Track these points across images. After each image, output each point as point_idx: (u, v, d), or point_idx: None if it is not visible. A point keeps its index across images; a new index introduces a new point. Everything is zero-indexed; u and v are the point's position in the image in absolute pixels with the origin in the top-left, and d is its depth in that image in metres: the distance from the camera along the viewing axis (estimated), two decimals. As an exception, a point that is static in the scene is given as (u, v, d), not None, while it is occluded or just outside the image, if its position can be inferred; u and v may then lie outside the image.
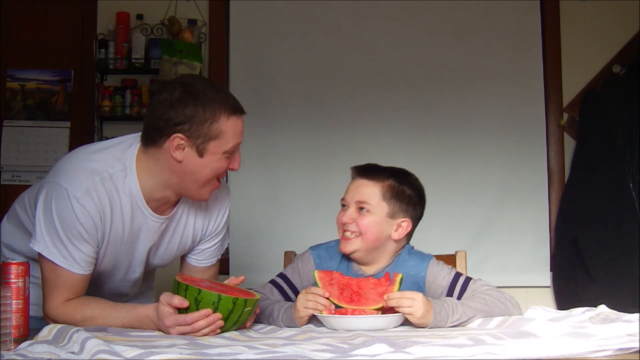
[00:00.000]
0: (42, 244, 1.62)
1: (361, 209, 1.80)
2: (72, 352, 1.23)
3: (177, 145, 1.61)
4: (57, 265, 1.62)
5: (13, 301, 1.43)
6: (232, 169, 1.70)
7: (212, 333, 1.52)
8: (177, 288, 1.55)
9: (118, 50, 3.32)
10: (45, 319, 1.66)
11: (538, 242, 3.37)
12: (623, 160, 3.11)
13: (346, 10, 3.44)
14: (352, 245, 1.80)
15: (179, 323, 1.51)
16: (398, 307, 1.64)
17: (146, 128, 1.66)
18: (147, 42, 3.32)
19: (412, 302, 1.63)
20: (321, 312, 1.67)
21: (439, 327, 1.64)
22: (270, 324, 1.72)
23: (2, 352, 1.24)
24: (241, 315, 1.55)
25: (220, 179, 1.73)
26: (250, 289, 1.74)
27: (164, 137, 1.61)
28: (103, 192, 1.63)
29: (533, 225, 3.37)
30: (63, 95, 3.38)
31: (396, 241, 1.84)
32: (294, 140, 3.38)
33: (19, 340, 1.38)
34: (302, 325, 1.71)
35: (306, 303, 1.68)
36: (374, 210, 1.80)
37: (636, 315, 1.45)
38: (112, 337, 1.43)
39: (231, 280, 1.68)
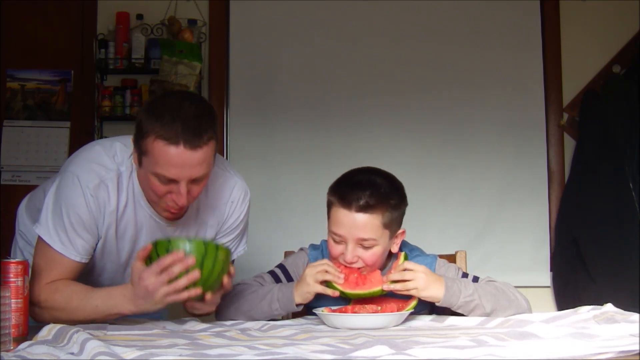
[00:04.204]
0: (44, 228, 1.66)
1: (363, 245, 1.69)
2: (72, 353, 1.23)
3: (133, 148, 1.65)
4: (54, 250, 1.66)
5: (12, 300, 1.43)
6: (176, 203, 1.61)
7: (188, 282, 1.49)
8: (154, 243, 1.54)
9: (118, 50, 3.32)
10: (30, 307, 1.64)
11: (538, 242, 3.37)
12: (623, 160, 3.11)
13: (346, 10, 3.44)
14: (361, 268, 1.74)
15: (154, 271, 1.49)
16: (401, 279, 1.63)
17: None
18: (147, 42, 3.32)
19: (414, 274, 1.62)
20: (332, 282, 1.67)
21: (452, 304, 1.63)
22: (263, 307, 1.71)
23: (2, 353, 1.24)
24: (215, 262, 1.51)
25: (180, 207, 1.64)
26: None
27: None
28: (113, 188, 1.67)
29: (533, 225, 3.38)
30: (63, 95, 3.38)
31: (394, 252, 1.80)
32: (293, 140, 3.38)
33: (19, 340, 1.38)
34: (306, 302, 1.69)
35: (316, 275, 1.66)
36: (378, 240, 1.70)
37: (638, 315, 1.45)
38: (111, 336, 1.43)
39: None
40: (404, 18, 3.45)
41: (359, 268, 1.72)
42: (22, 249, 1.93)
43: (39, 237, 1.68)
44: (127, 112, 3.31)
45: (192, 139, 1.54)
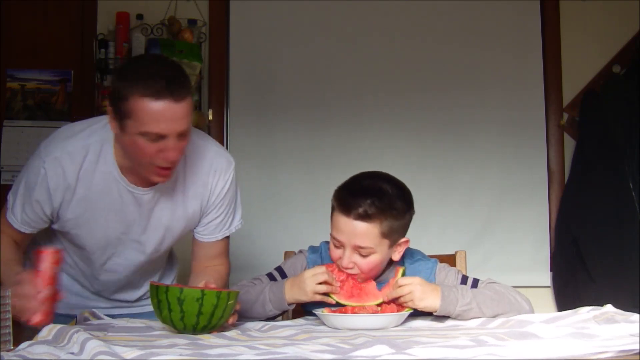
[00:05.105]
0: (7, 202, 1.79)
1: (361, 252, 1.69)
2: (72, 353, 1.23)
3: (111, 118, 1.66)
4: (5, 217, 1.78)
5: (43, 288, 1.47)
6: (167, 159, 1.63)
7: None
8: (157, 291, 1.52)
9: (118, 50, 3.31)
10: None
11: (538, 242, 3.37)
12: (623, 160, 3.11)
13: (346, 10, 3.44)
14: (360, 279, 1.73)
15: (27, 281, 1.51)
16: (398, 295, 1.64)
17: None
18: (147, 42, 3.31)
19: (410, 287, 1.62)
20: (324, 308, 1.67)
21: (449, 312, 1.63)
22: (258, 309, 1.72)
23: (2, 353, 1.24)
24: (225, 309, 1.53)
25: (177, 162, 1.67)
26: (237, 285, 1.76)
27: None
28: (73, 163, 1.71)
29: (533, 225, 3.37)
30: (63, 95, 3.38)
31: (395, 259, 1.78)
32: (293, 140, 3.38)
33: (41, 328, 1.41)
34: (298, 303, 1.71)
35: (316, 287, 1.66)
36: (376, 249, 1.69)
37: (637, 316, 1.45)
38: (112, 337, 1.43)
39: (207, 284, 1.64)
40: (403, 18, 3.45)
41: (354, 275, 1.72)
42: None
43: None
44: (127, 112, 3.30)
45: (176, 91, 1.57)
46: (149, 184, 1.76)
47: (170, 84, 1.57)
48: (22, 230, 1.78)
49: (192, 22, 3.32)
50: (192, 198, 1.83)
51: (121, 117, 1.60)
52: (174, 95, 1.56)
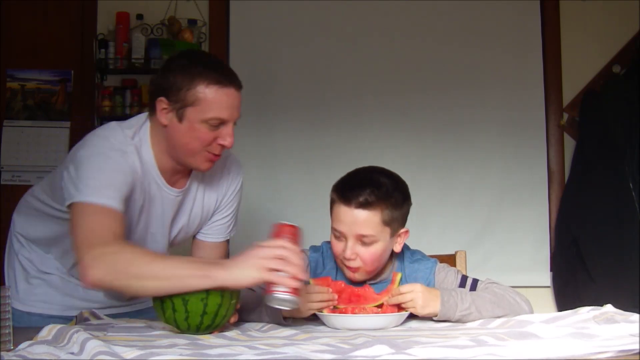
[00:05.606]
0: (80, 195, 1.58)
1: (363, 241, 1.70)
2: (72, 353, 1.23)
3: (162, 109, 1.69)
4: (98, 205, 1.56)
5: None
6: (222, 145, 1.70)
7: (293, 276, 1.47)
8: (160, 298, 1.51)
9: (118, 50, 3.32)
10: (87, 270, 1.51)
11: (538, 242, 3.37)
12: (623, 160, 3.11)
13: (345, 10, 3.45)
14: (361, 275, 1.74)
15: (275, 246, 1.48)
16: (400, 303, 1.64)
17: (149, 96, 1.80)
18: (147, 42, 3.32)
19: (412, 295, 1.63)
20: (322, 310, 1.67)
21: (449, 317, 1.63)
22: (254, 319, 1.71)
23: (2, 353, 1.24)
24: (229, 308, 1.53)
25: (222, 151, 1.74)
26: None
27: (154, 102, 1.71)
28: (134, 159, 1.70)
29: (533, 225, 3.38)
30: (63, 95, 3.38)
31: (397, 251, 1.79)
32: (294, 139, 3.38)
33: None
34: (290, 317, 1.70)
35: (311, 306, 1.66)
36: (378, 237, 1.70)
37: (637, 316, 1.45)
38: (112, 337, 1.43)
39: None
40: (403, 18, 3.46)
41: (350, 286, 1.72)
42: (17, 252, 1.92)
43: (75, 212, 1.58)
44: (127, 112, 3.30)
45: (237, 80, 1.70)
46: (180, 184, 1.80)
47: (232, 74, 1.70)
48: (120, 208, 1.60)
49: (192, 22, 3.32)
50: (208, 197, 1.88)
51: (181, 106, 1.65)
52: (235, 84, 1.69)
